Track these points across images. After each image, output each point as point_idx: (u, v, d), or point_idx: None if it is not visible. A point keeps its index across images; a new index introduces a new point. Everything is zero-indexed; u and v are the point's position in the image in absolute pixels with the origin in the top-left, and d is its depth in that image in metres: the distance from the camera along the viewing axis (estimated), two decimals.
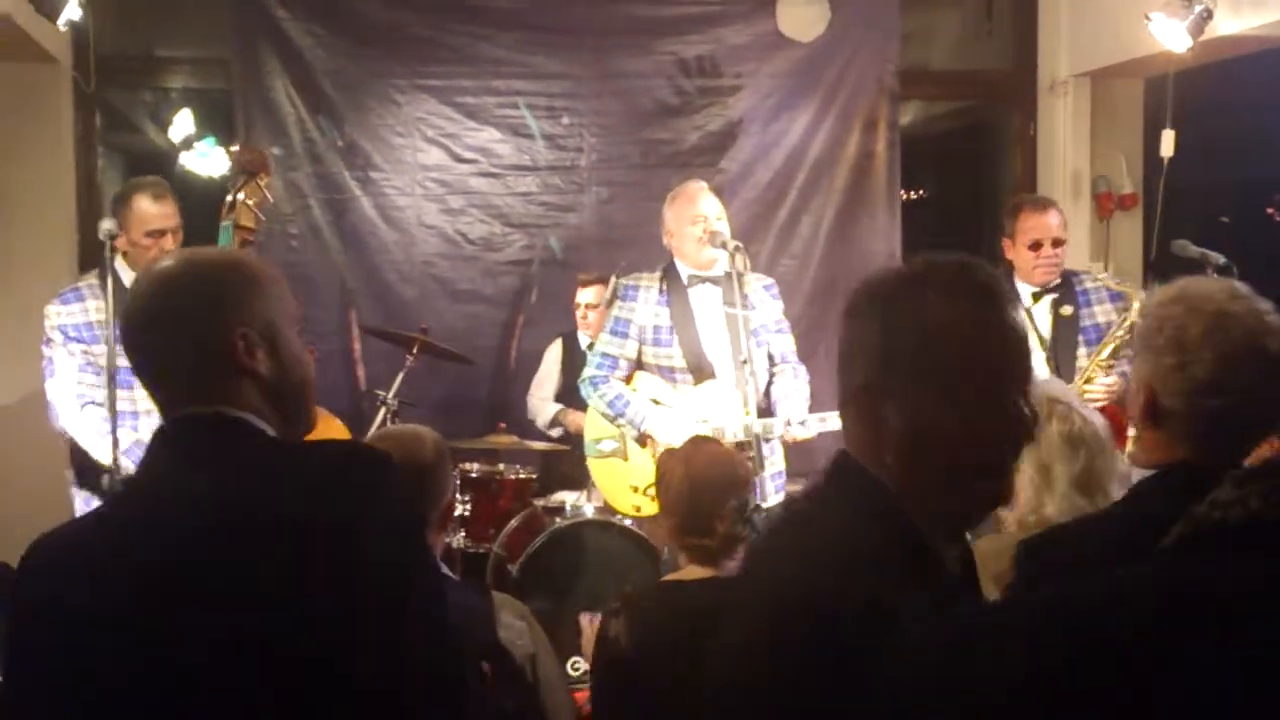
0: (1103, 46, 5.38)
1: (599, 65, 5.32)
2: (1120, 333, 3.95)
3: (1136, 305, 3.92)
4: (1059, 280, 4.13)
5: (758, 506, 2.79)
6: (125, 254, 3.67)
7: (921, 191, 6.79)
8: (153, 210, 3.65)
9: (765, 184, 5.43)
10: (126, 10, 5.19)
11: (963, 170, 6.41)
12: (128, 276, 3.65)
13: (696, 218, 3.84)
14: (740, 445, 3.61)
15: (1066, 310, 4.09)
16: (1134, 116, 5.82)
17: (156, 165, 4.95)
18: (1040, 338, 4.07)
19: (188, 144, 5.26)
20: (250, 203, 3.53)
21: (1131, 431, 4.05)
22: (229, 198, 3.57)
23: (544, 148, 5.34)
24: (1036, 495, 2.41)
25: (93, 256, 5.04)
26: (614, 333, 3.91)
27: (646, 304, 3.88)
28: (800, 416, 3.79)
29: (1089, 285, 4.16)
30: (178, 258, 1.59)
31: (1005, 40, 5.91)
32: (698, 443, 2.84)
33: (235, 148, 3.73)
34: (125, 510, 1.54)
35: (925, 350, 1.27)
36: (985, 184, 6.36)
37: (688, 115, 5.40)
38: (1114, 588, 1.04)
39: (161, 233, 3.65)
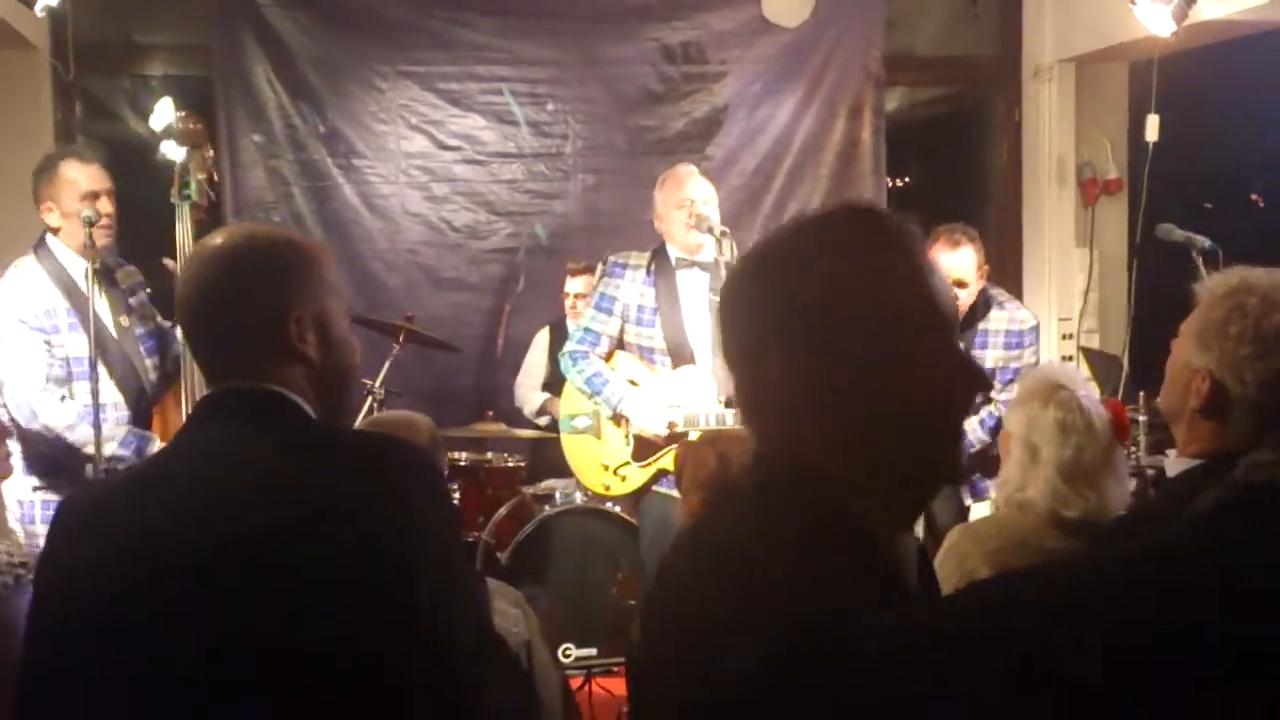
0: (1087, 32, 5.39)
1: (584, 51, 5.29)
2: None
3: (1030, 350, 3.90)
4: (963, 316, 3.97)
5: None
6: (58, 231, 3.48)
7: (907, 178, 6.78)
8: (82, 172, 3.48)
9: (751, 170, 5.41)
10: None
11: (948, 156, 6.41)
12: (67, 258, 3.48)
13: (684, 201, 3.83)
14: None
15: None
16: (1119, 102, 5.83)
17: (137, 153, 4.91)
18: None
19: (168, 132, 5.22)
20: (201, 178, 3.47)
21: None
22: (179, 175, 3.48)
23: (529, 134, 5.31)
24: (1021, 474, 2.42)
25: None
26: (598, 308, 3.89)
27: (633, 282, 3.87)
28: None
29: (991, 327, 3.96)
30: (239, 232, 1.60)
31: (990, 26, 5.90)
32: (721, 433, 2.79)
33: (179, 115, 3.55)
34: (162, 470, 1.55)
35: (825, 313, 1.09)
36: (971, 170, 6.36)
37: (673, 102, 5.38)
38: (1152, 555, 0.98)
39: (95, 194, 3.47)
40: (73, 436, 3.40)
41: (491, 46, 5.23)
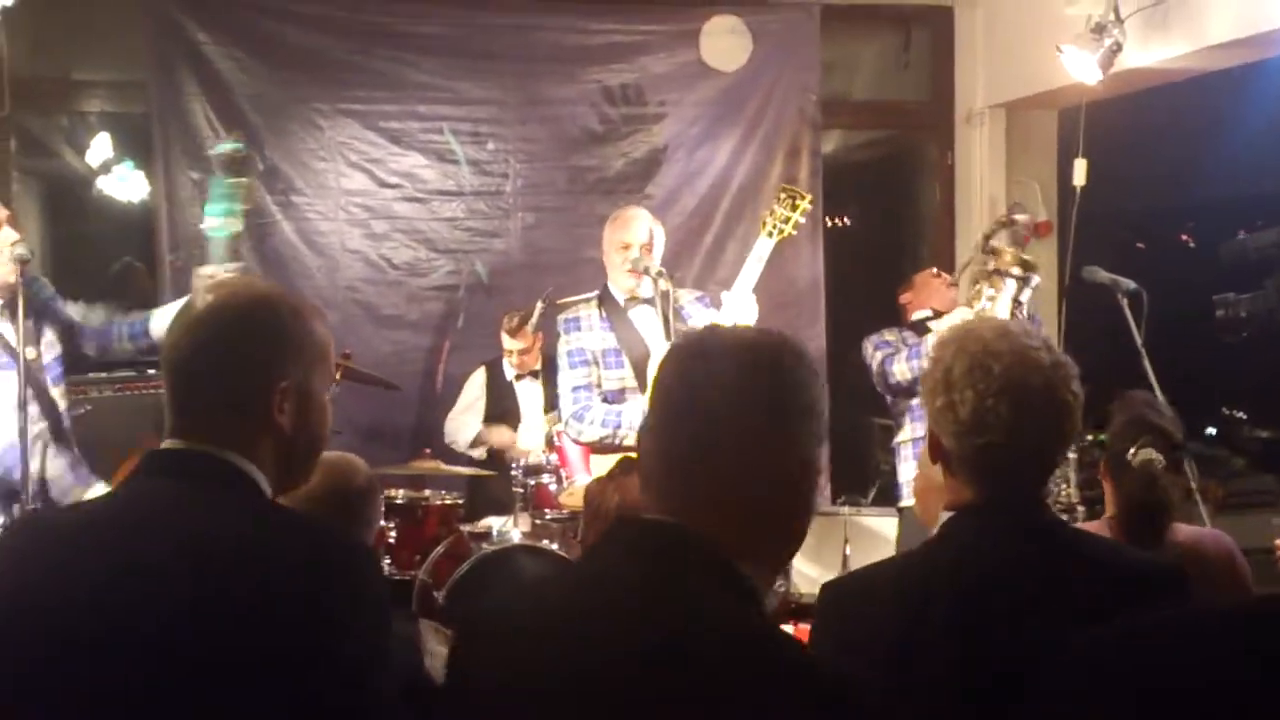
0: (1017, 78, 5.52)
1: (524, 91, 5.34)
2: None
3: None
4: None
5: None
6: None
7: (844, 219, 6.89)
8: None
9: (690, 210, 5.47)
10: (42, 33, 5.08)
11: (884, 197, 6.52)
12: None
13: (624, 244, 3.87)
14: None
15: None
16: (1048, 146, 5.96)
17: (74, 189, 4.88)
18: None
19: (106, 168, 5.19)
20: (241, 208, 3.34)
21: None
22: (225, 202, 3.35)
23: (469, 173, 5.34)
24: (934, 511, 2.45)
25: None
26: (574, 365, 3.91)
27: (590, 330, 3.90)
28: (738, 300, 3.93)
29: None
30: (232, 291, 1.56)
31: (923, 72, 6.03)
32: (627, 472, 2.80)
33: (231, 145, 3.46)
34: (102, 515, 1.52)
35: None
36: (906, 210, 6.47)
37: (613, 142, 5.44)
38: None
39: None
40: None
41: (433, 85, 5.27)
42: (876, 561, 1.88)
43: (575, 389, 3.90)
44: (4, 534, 1.52)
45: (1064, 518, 4.34)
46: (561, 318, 3.99)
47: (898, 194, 6.40)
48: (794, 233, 4.14)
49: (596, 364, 3.89)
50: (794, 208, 4.02)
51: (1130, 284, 4.07)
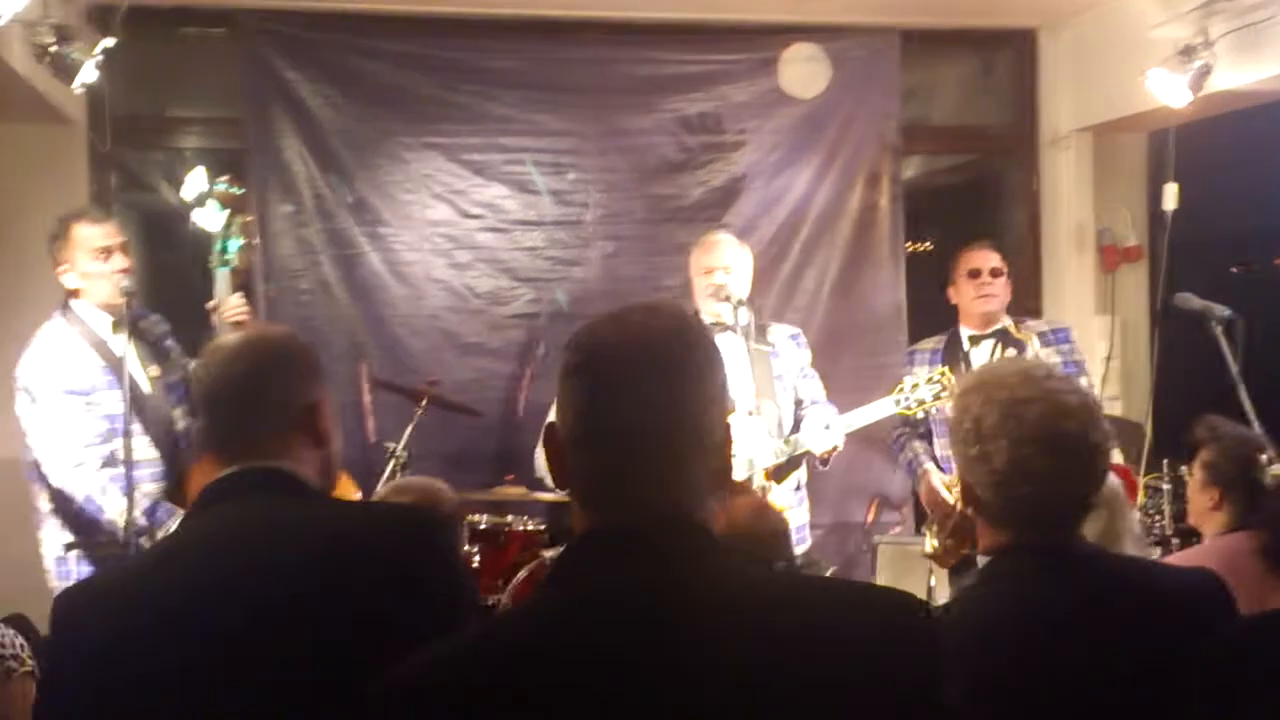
0: (1104, 101, 5.44)
1: (603, 123, 5.39)
2: None
3: (1033, 349, 4.17)
4: (1000, 326, 4.23)
5: (800, 562, 2.72)
6: (78, 292, 3.56)
7: (927, 244, 6.82)
8: (94, 230, 3.57)
9: (769, 239, 5.47)
10: (141, 73, 5.27)
11: (967, 223, 6.43)
12: (92, 316, 3.53)
13: (709, 269, 3.91)
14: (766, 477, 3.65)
15: (1009, 354, 4.19)
16: (1137, 170, 5.87)
17: (169, 223, 5.03)
18: None
19: (200, 202, 5.34)
20: (241, 242, 3.56)
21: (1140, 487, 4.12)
22: (220, 241, 3.60)
23: (550, 203, 5.40)
24: None
25: None
26: None
27: None
28: (825, 421, 3.89)
29: (1019, 336, 4.29)
30: (256, 330, 1.84)
31: (1006, 95, 5.97)
32: (732, 492, 2.76)
33: (219, 185, 3.71)
34: (181, 548, 1.62)
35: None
36: (990, 236, 6.36)
37: (691, 171, 5.47)
38: None
39: (108, 250, 3.55)
40: (93, 503, 3.40)
41: (514, 119, 5.35)
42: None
43: None
44: (65, 609, 1.58)
45: (1157, 552, 4.28)
46: None
47: (981, 219, 6.32)
48: (920, 414, 4.06)
49: None
50: (936, 396, 3.93)
51: (1225, 311, 3.97)
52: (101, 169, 5.30)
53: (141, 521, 3.40)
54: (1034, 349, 4.17)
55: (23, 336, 4.84)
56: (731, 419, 3.59)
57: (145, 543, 3.31)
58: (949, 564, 4.04)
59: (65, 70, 4.22)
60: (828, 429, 3.88)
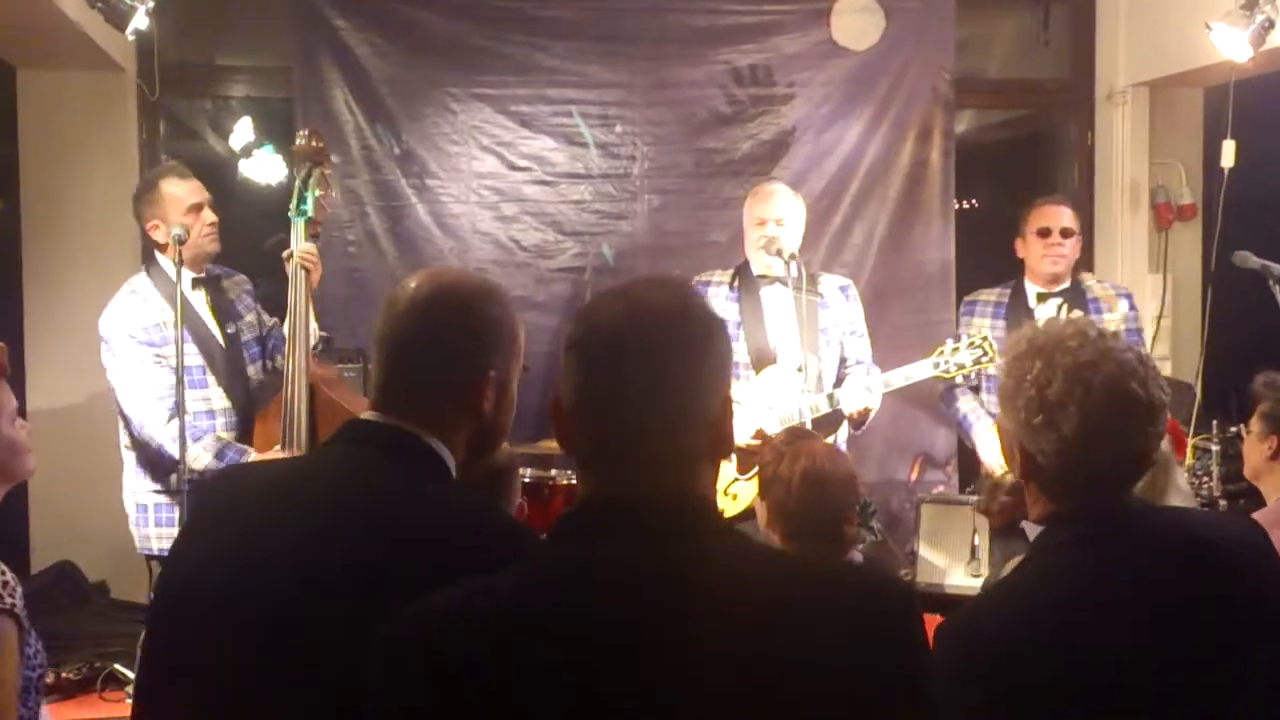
0: (1161, 56, 5.33)
1: (652, 74, 5.34)
2: None
3: (1120, 313, 4.19)
4: (1068, 285, 4.17)
5: (872, 506, 2.71)
6: (165, 248, 3.62)
7: (975, 201, 6.74)
8: (182, 187, 3.66)
9: (819, 192, 5.41)
10: (190, 20, 5.28)
11: (1019, 179, 6.35)
12: (174, 272, 3.56)
13: (761, 220, 3.88)
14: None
15: (1076, 315, 4.14)
16: (1194, 126, 5.75)
17: (217, 172, 5.05)
18: None
19: (247, 151, 5.36)
20: (319, 195, 3.60)
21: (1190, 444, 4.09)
22: (297, 191, 3.62)
23: (597, 156, 5.37)
24: None
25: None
26: None
27: (717, 299, 3.93)
28: (865, 382, 3.86)
29: (1099, 294, 4.28)
30: (448, 280, 1.61)
31: (1062, 49, 5.86)
32: (803, 437, 2.71)
33: (300, 139, 3.70)
34: (300, 479, 1.58)
35: None
36: (1042, 192, 6.25)
37: (740, 124, 5.41)
38: None
39: (199, 206, 3.65)
40: (174, 451, 3.48)
41: (563, 70, 5.31)
42: (984, 596, 1.91)
43: None
44: (205, 490, 1.62)
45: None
46: (696, 278, 4.01)
47: (1034, 175, 6.24)
48: (960, 379, 4.01)
49: None
50: (975, 361, 3.87)
51: None
52: (150, 117, 5.32)
53: (212, 463, 3.53)
54: (1122, 310, 4.12)
55: (74, 280, 4.94)
56: (766, 374, 3.57)
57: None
58: (1000, 523, 4.03)
59: (117, 17, 4.21)
60: (866, 389, 3.85)
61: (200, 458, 3.50)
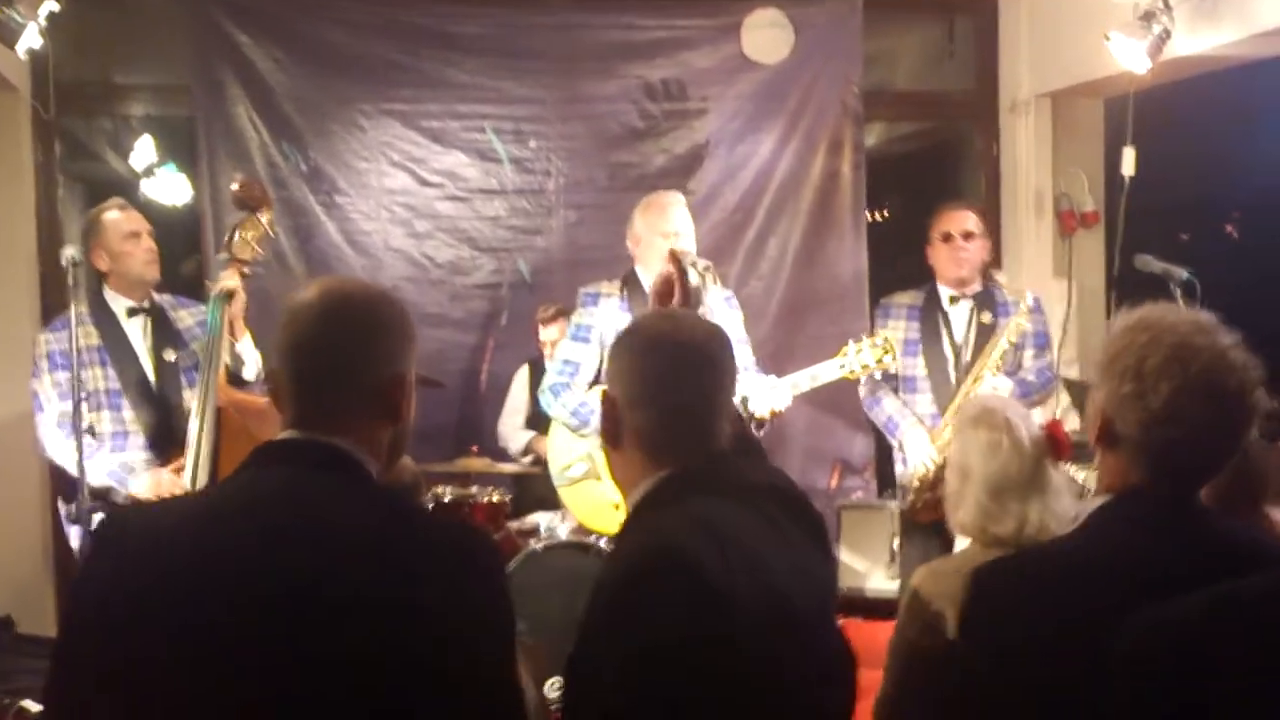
0: (1063, 67, 5.45)
1: (565, 89, 5.32)
2: (1010, 335, 4.13)
3: (1025, 307, 4.17)
4: (979, 289, 4.24)
5: None
6: (108, 276, 3.79)
7: (886, 212, 6.83)
8: (122, 216, 3.82)
9: (732, 206, 5.44)
10: (85, 38, 5.12)
11: (927, 190, 6.45)
12: (117, 303, 3.78)
13: (668, 233, 3.84)
14: None
15: (985, 318, 4.24)
16: (1095, 135, 5.89)
17: (118, 193, 4.89)
18: (953, 343, 4.18)
19: (149, 171, 5.23)
20: (248, 236, 3.67)
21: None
22: (229, 232, 3.76)
23: (511, 171, 5.33)
24: (955, 498, 2.47)
25: (53, 285, 4.97)
26: (575, 339, 3.89)
27: (608, 311, 3.87)
28: (772, 384, 3.87)
29: (1008, 298, 4.32)
30: (343, 289, 1.60)
31: (967, 61, 5.97)
32: None
33: (235, 186, 3.87)
34: (227, 504, 1.51)
35: None
36: (949, 203, 6.40)
37: (654, 138, 5.42)
38: None
39: (136, 234, 3.80)
40: (72, 470, 3.51)
41: (474, 85, 5.26)
42: (1032, 547, 1.97)
43: (566, 361, 3.89)
44: (108, 529, 1.53)
45: None
46: (583, 290, 3.98)
47: (942, 185, 6.34)
48: (861, 376, 4.08)
49: (603, 345, 3.84)
50: (877, 360, 3.97)
51: (1183, 273, 4.01)
52: (45, 137, 5.15)
53: (102, 479, 3.60)
54: (1026, 306, 4.18)
55: None
56: None
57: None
58: (927, 519, 4.07)
59: (7, 34, 4.09)
60: (773, 390, 3.85)
61: (94, 474, 3.55)
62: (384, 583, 1.38)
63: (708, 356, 1.71)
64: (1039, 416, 3.37)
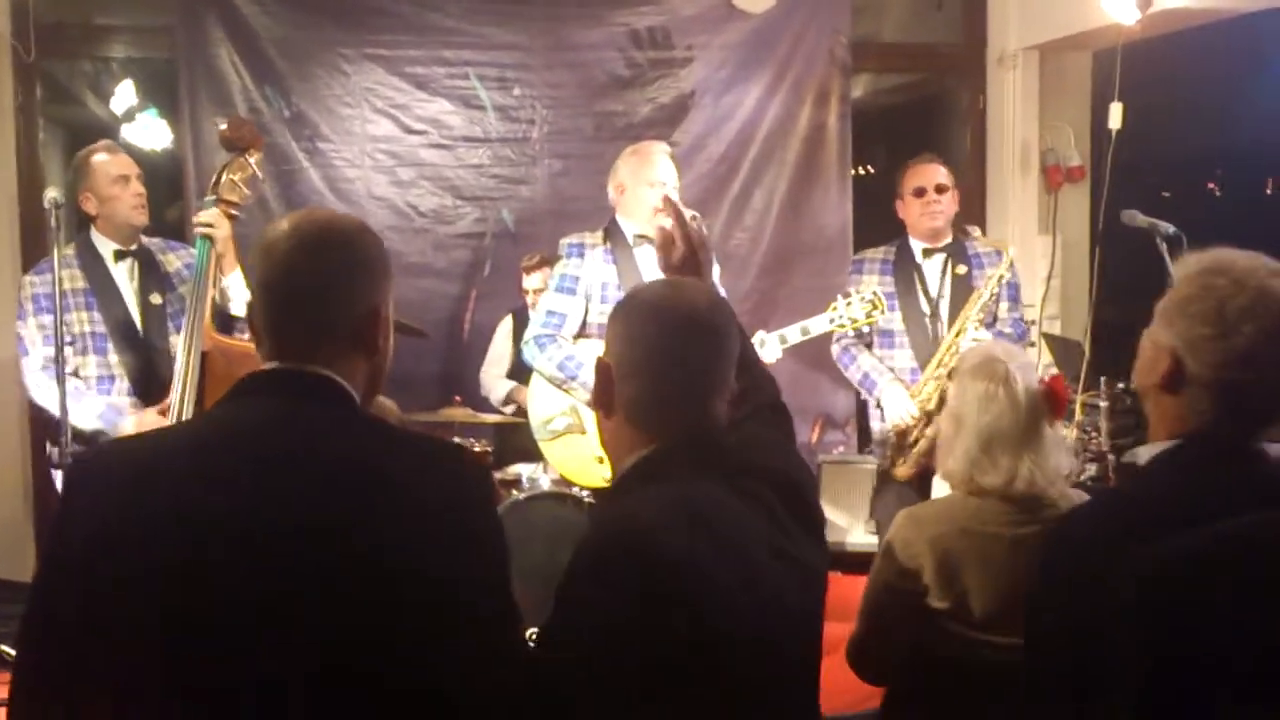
0: (1051, 19, 5.42)
1: (550, 36, 5.27)
2: (993, 287, 4.13)
3: (1008, 259, 4.19)
4: (950, 240, 4.25)
5: None
6: (96, 219, 3.73)
7: (871, 165, 6.81)
8: (111, 159, 3.75)
9: (718, 157, 5.42)
10: None
11: (913, 143, 6.41)
12: (105, 246, 3.71)
13: (655, 182, 3.80)
14: None
15: (960, 270, 4.25)
16: (1082, 89, 5.87)
17: (98, 136, 4.85)
18: (929, 296, 4.18)
19: (129, 115, 5.17)
20: (235, 178, 3.61)
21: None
22: (215, 174, 3.66)
23: (495, 119, 5.29)
24: (947, 446, 2.46)
25: (35, 229, 4.94)
26: (560, 290, 3.85)
27: (593, 261, 3.84)
28: (761, 338, 3.87)
29: (980, 249, 4.32)
30: (325, 220, 1.58)
31: (955, 13, 5.93)
32: None
33: (223, 126, 3.78)
34: (211, 439, 1.48)
35: None
36: (918, 157, 6.38)
37: (640, 87, 5.38)
38: None
39: (126, 178, 3.73)
40: (55, 412, 3.44)
41: (459, 31, 5.20)
42: (1091, 502, 1.93)
43: (550, 313, 3.82)
44: (87, 464, 1.51)
45: (1094, 466, 4.35)
46: (565, 241, 3.93)
47: (928, 139, 6.31)
48: (851, 331, 4.09)
49: (589, 297, 3.82)
50: (867, 315, 3.97)
51: (1169, 228, 4.00)
52: (26, 80, 5.09)
53: (93, 422, 3.57)
54: (1009, 257, 4.19)
55: None
56: None
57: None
58: (909, 475, 4.09)
59: None
60: (762, 345, 3.85)
61: (83, 417, 3.53)
62: (379, 510, 1.37)
63: (709, 326, 1.67)
64: None
